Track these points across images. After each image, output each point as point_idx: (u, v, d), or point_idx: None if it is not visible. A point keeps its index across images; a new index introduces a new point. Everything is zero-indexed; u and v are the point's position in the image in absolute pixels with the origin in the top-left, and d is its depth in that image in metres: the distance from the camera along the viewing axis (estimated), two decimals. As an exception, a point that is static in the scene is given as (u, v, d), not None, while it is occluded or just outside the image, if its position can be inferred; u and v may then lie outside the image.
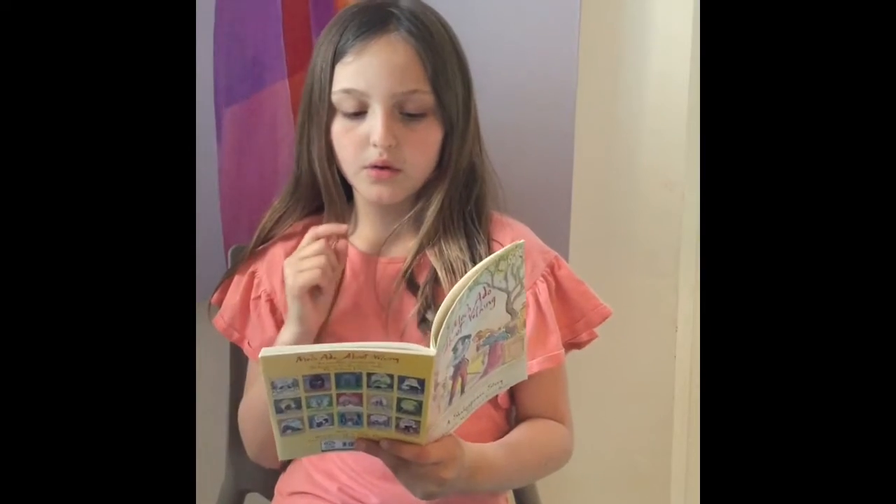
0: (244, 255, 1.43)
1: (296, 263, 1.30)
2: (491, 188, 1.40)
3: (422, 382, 1.09)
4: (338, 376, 1.10)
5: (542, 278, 1.36)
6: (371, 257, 1.38)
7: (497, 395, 1.35)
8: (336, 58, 1.32)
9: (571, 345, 1.40)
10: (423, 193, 1.37)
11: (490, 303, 1.14)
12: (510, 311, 1.17)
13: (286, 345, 1.31)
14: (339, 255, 1.33)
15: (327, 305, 1.33)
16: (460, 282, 1.11)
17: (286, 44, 1.58)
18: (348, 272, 1.37)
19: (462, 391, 1.17)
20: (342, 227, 1.33)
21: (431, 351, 1.08)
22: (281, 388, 1.11)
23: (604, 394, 1.75)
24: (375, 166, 1.32)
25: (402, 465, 1.17)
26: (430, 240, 1.35)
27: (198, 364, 1.21)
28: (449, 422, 1.18)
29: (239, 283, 1.42)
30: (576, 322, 1.38)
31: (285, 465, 1.45)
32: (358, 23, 1.32)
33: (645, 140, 1.69)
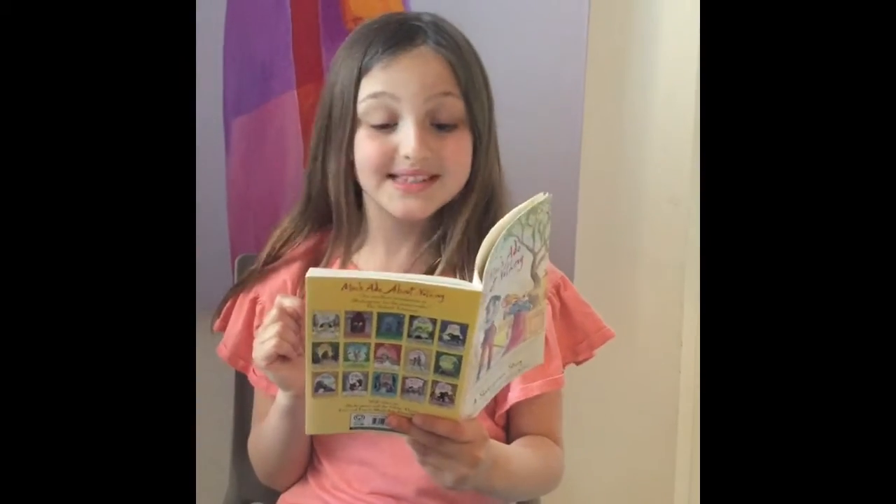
0: (244, 277, 1.41)
1: (259, 335, 1.24)
2: (505, 204, 1.33)
3: (464, 330, 1.06)
4: (380, 318, 1.07)
5: (546, 300, 1.31)
6: None
7: (496, 414, 1.35)
8: (361, 73, 1.27)
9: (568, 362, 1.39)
10: (443, 213, 1.32)
11: (518, 262, 1.11)
12: (533, 275, 1.14)
13: (280, 411, 1.29)
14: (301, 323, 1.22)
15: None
16: (496, 227, 1.07)
17: (295, 55, 1.58)
18: None
19: (488, 366, 1.13)
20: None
21: (478, 286, 1.05)
22: (322, 325, 1.08)
23: (608, 408, 1.75)
24: (406, 175, 1.27)
25: (434, 445, 1.13)
26: (453, 261, 1.30)
27: (199, 374, 1.21)
28: (476, 401, 1.15)
29: (241, 310, 1.39)
30: (578, 343, 1.38)
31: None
32: (384, 38, 1.28)
33: (651, 156, 1.69)
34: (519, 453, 1.30)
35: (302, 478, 1.41)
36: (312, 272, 1.06)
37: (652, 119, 1.68)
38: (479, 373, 1.12)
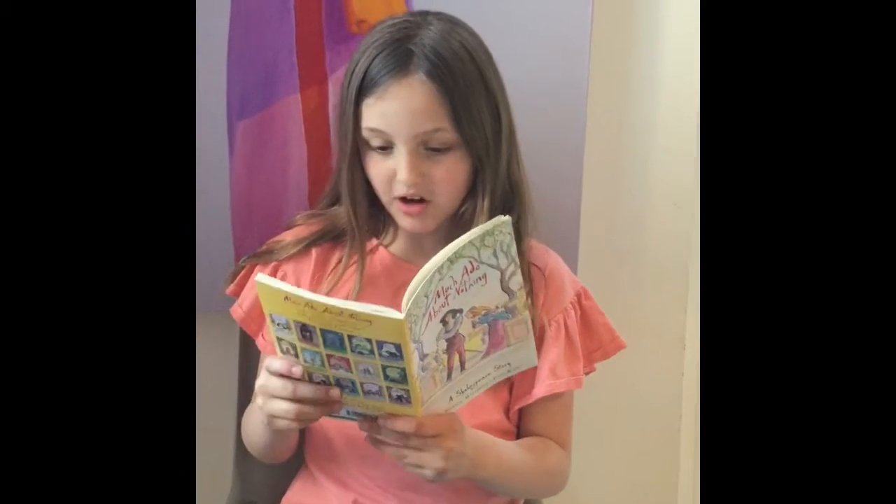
0: (263, 249, 1.42)
1: (267, 399, 1.20)
2: (529, 207, 1.37)
3: (399, 348, 1.11)
4: (323, 333, 1.12)
5: (571, 306, 1.38)
6: (404, 263, 1.38)
7: (509, 411, 1.37)
8: (360, 95, 1.30)
9: None
10: (459, 215, 1.36)
11: (481, 279, 1.16)
12: (506, 290, 1.19)
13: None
14: (332, 402, 1.19)
15: None
16: (441, 252, 1.13)
17: (299, 57, 1.58)
18: (382, 274, 1.38)
19: (462, 368, 1.19)
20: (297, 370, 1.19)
21: (400, 315, 1.09)
22: (278, 324, 1.14)
23: (611, 411, 1.75)
24: (404, 199, 1.31)
25: (402, 442, 1.18)
26: None
27: (199, 374, 1.21)
28: (451, 398, 1.20)
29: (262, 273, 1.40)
30: (593, 352, 1.41)
31: (291, 471, 1.45)
32: (380, 62, 1.29)
33: (655, 158, 1.69)
34: (509, 446, 1.33)
35: (308, 474, 1.42)
36: (261, 277, 1.13)
37: (655, 121, 1.68)
38: (449, 375, 1.18)
